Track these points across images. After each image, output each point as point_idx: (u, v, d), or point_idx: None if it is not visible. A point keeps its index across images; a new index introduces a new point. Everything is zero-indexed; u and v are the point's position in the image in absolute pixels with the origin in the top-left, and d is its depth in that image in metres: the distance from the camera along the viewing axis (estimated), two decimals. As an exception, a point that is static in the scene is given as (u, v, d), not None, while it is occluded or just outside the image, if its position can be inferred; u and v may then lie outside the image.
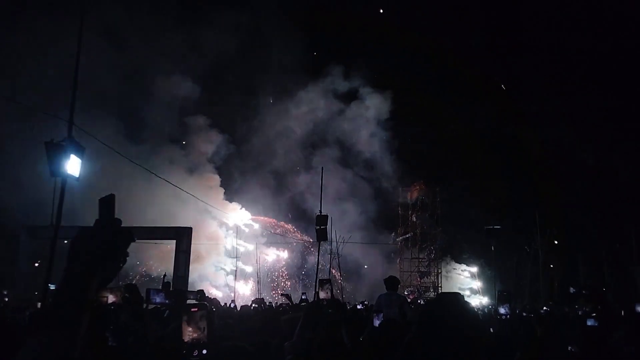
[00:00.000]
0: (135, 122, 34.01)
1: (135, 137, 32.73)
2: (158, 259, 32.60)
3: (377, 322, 6.35)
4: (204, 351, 2.15)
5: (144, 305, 6.05)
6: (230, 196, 37.80)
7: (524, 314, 11.23)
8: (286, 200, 40.51)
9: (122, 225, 1.48)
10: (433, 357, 1.95)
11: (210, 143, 37.71)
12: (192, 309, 2.18)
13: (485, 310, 20.23)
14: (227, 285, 34.84)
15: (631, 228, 28.66)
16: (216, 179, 37.27)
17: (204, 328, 2.18)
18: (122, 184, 27.39)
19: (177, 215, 30.03)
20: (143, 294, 6.80)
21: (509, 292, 7.02)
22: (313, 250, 37.27)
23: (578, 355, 5.93)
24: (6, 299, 17.06)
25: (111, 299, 4.91)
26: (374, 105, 40.63)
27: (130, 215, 27.95)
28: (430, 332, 2.01)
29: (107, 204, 1.51)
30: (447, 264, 40.30)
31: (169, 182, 22.74)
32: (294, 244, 39.61)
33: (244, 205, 37.75)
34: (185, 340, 2.17)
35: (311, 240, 37.08)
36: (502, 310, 6.35)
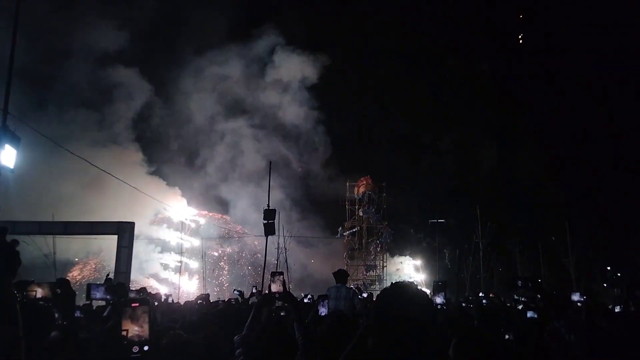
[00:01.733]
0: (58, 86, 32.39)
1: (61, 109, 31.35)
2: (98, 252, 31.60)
3: (322, 311, 6.36)
4: (145, 347, 2.08)
5: (90, 302, 5.82)
6: (154, 173, 36.98)
7: (464, 304, 11.57)
8: (206, 183, 39.83)
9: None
10: (386, 344, 1.98)
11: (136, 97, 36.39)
12: (133, 304, 2.11)
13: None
14: (169, 281, 34.08)
15: (564, 223, 30.08)
16: (139, 156, 36.39)
17: (145, 324, 2.11)
18: (54, 172, 26.14)
19: (117, 208, 29.07)
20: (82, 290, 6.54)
21: (444, 282, 7.18)
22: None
23: (514, 342, 6.18)
24: None
25: (40, 293, 4.68)
26: (302, 78, 40.87)
27: (68, 207, 26.90)
28: (383, 319, 2.04)
29: None
30: (392, 257, 41.10)
31: (115, 177, 21.94)
32: (236, 237, 39.06)
33: (169, 182, 37.09)
34: (126, 336, 2.09)
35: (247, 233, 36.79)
36: (438, 300, 6.50)
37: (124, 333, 2.09)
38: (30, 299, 4.31)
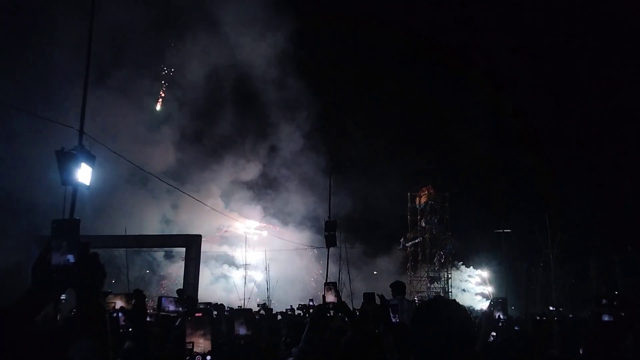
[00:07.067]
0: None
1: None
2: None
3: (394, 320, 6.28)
4: (208, 357, 2.14)
5: (158, 313, 6.02)
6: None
7: (537, 317, 11.10)
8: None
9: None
10: (424, 356, 1.98)
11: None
12: (197, 314, 2.18)
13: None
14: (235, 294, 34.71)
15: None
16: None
17: (208, 333, 2.17)
18: (127, 187, 27.32)
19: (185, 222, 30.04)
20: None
21: (504, 299, 7.00)
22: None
23: (585, 355, 5.83)
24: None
25: (119, 304, 4.87)
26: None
27: (138, 221, 28.10)
28: (421, 331, 2.06)
29: (70, 228, 1.51)
30: (457, 269, 40.06)
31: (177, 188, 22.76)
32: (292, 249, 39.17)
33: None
34: (189, 347, 2.16)
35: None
36: (497, 316, 6.29)
37: (188, 344, 2.16)
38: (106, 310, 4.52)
